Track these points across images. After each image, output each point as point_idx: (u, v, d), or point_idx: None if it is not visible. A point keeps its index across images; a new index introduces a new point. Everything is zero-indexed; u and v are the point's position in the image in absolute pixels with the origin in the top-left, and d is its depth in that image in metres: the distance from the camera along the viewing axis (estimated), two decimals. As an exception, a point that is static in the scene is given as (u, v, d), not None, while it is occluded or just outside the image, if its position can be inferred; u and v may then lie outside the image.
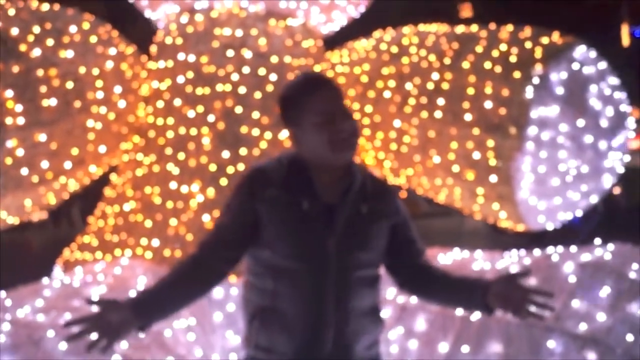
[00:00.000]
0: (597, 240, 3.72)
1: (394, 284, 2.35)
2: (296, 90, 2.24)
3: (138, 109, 4.66)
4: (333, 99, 2.18)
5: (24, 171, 3.56)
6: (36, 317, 2.89)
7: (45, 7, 4.19)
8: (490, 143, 4.30)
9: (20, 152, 3.50)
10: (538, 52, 4.31)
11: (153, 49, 4.90)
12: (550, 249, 3.63)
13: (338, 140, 2.14)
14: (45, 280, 3.61)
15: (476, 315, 3.10)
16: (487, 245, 5.01)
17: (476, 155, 4.38)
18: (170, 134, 4.55)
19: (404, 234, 2.29)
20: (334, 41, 5.50)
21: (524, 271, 2.17)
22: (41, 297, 3.25)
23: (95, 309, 2.00)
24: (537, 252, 3.71)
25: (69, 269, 4.30)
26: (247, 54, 4.65)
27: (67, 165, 3.90)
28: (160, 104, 4.67)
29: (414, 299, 3.50)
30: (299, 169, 2.20)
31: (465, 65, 4.46)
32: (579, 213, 4.69)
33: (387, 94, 4.78)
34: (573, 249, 3.57)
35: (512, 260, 3.58)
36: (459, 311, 3.21)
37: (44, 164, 3.68)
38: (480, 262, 3.63)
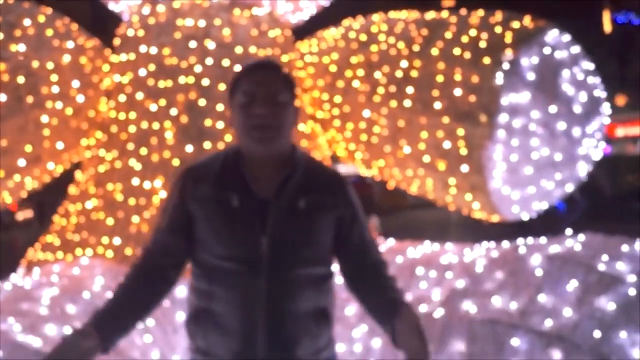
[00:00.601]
0: (568, 231, 3.60)
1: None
2: (242, 69, 2.13)
3: (99, 103, 4.52)
4: (264, 83, 2.05)
5: (-27, 170, 3.44)
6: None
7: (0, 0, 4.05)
8: (461, 132, 4.18)
9: (-34, 150, 3.38)
10: (508, 37, 4.18)
11: (116, 41, 4.76)
12: (519, 241, 3.52)
13: (251, 126, 2.02)
14: (-2, 282, 3.48)
15: (439, 313, 2.99)
16: (473, 236, 4.89)
17: (447, 145, 4.26)
18: (132, 129, 4.41)
19: (347, 229, 2.13)
20: (304, 30, 5.37)
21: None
22: (-10, 301, 3.13)
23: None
24: (505, 244, 3.59)
25: (30, 269, 4.17)
26: (210, 44, 4.51)
27: (21, 162, 3.77)
28: (122, 98, 4.53)
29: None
30: (234, 163, 2.08)
31: (434, 52, 4.34)
32: (560, 202, 4.58)
33: (356, 84, 4.66)
34: (542, 240, 3.45)
35: (479, 253, 3.46)
36: (423, 308, 3.10)
37: (-6, 162, 3.56)
38: (449, 256, 3.52)
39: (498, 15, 4.42)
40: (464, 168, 4.22)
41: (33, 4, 4.24)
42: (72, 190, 4.58)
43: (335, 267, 2.18)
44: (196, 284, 2.09)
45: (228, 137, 4.38)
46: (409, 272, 3.41)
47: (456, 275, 3.20)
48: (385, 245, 4.12)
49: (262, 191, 2.07)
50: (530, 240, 3.49)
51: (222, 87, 4.46)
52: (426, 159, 4.38)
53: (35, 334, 2.79)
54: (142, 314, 2.07)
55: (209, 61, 4.47)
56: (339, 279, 2.14)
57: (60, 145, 4.09)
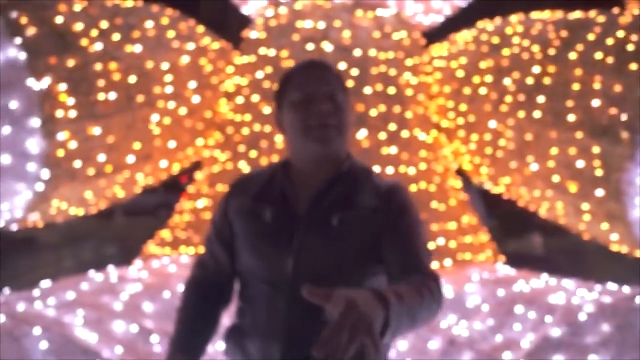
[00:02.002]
0: None
1: None
2: (289, 71, 1.95)
3: (218, 104, 4.56)
4: (320, 80, 1.84)
5: (77, 164, 3.58)
6: (45, 312, 2.85)
7: (129, 3, 4.23)
8: (596, 150, 3.57)
9: (73, 145, 3.53)
10: (664, 39, 3.50)
11: (243, 44, 4.78)
12: (625, 289, 2.88)
13: (312, 126, 1.80)
14: (91, 273, 3.61)
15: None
16: (610, 273, 4.20)
17: (579, 164, 3.67)
18: (245, 131, 4.39)
19: (385, 242, 1.79)
20: (438, 33, 5.01)
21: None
22: (74, 290, 3.23)
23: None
24: (625, 289, 2.96)
25: (146, 262, 4.30)
26: (327, 47, 4.34)
27: (130, 159, 3.89)
28: (239, 100, 4.52)
29: (464, 333, 2.97)
30: (280, 176, 1.89)
31: (572, 56, 3.76)
32: None
33: (482, 91, 4.21)
34: None
35: (591, 297, 2.88)
36: (506, 355, 2.64)
37: (101, 157, 3.69)
38: (558, 295, 2.98)
39: (657, 14, 3.73)
40: (599, 192, 3.60)
41: (161, 6, 4.38)
42: (190, 188, 4.68)
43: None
44: (237, 299, 1.95)
45: (338, 144, 4.19)
46: (507, 309, 2.95)
47: (555, 321, 2.69)
48: (496, 274, 3.65)
49: (299, 206, 1.85)
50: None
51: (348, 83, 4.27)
52: (555, 179, 3.82)
53: (95, 330, 2.82)
54: (212, 333, 1.99)
55: (325, 64, 4.29)
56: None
57: (172, 143, 4.17)
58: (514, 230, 9.73)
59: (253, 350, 1.89)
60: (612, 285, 3.09)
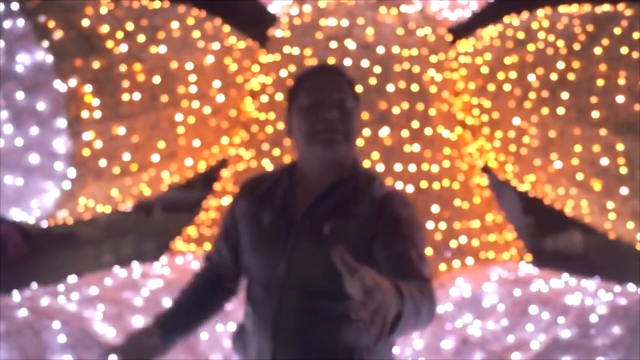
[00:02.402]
0: None
1: None
2: (300, 75, 1.99)
3: (243, 103, 4.62)
4: (329, 86, 1.88)
5: (103, 162, 3.68)
6: (67, 306, 2.95)
7: (156, 4, 4.32)
8: (621, 147, 3.49)
9: (98, 144, 3.63)
10: (691, 33, 3.40)
11: (269, 43, 4.82)
12: None
13: (317, 131, 1.84)
14: (116, 268, 3.71)
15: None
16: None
17: (604, 162, 3.59)
18: (269, 129, 4.43)
19: (378, 249, 1.80)
20: (465, 29, 4.95)
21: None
22: (97, 286, 3.33)
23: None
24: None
25: (171, 259, 4.40)
26: (350, 44, 4.35)
27: (155, 158, 3.98)
28: (264, 98, 4.57)
29: (477, 333, 2.95)
30: (285, 180, 1.94)
31: (597, 51, 3.68)
32: None
33: (507, 87, 4.16)
34: None
35: (606, 298, 2.82)
36: (515, 356, 2.61)
37: (126, 156, 3.78)
38: (574, 296, 2.92)
39: (687, 7, 3.63)
40: (624, 191, 3.53)
41: (187, 7, 4.46)
42: (217, 186, 4.75)
43: None
44: (244, 300, 2.02)
45: (360, 142, 4.19)
46: (521, 309, 2.92)
47: (567, 322, 2.65)
48: (516, 273, 3.61)
49: (298, 211, 1.89)
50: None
51: (358, 89, 4.26)
52: (579, 176, 3.75)
53: (114, 324, 2.90)
54: (202, 319, 2.06)
55: (348, 62, 4.31)
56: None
57: (197, 142, 4.25)
58: (552, 228, 9.55)
59: (251, 350, 1.94)
60: (631, 287, 3.03)
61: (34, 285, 3.43)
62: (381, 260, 1.79)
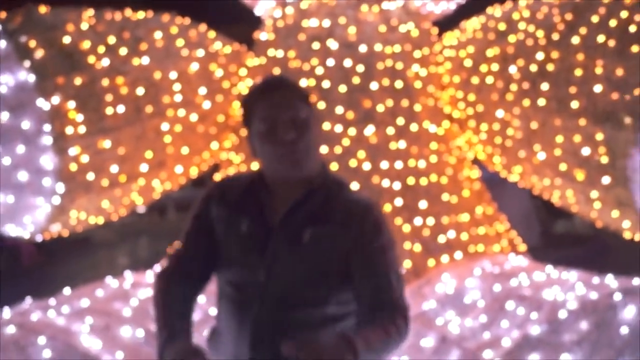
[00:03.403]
0: None
1: None
2: (250, 94, 2.03)
3: (232, 107, 4.66)
4: (280, 106, 1.91)
5: (91, 176, 3.76)
6: (57, 320, 3.04)
7: (140, 15, 4.38)
8: (600, 136, 3.48)
9: (85, 159, 3.71)
10: (668, 18, 3.36)
11: (255, 46, 4.86)
12: (613, 284, 2.80)
13: (280, 154, 1.89)
14: (108, 278, 3.80)
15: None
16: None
17: (585, 151, 3.58)
18: (257, 133, 4.48)
19: (359, 265, 1.88)
20: (451, 21, 4.93)
21: None
22: (89, 298, 3.42)
23: None
24: (614, 283, 2.88)
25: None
26: (333, 44, 4.37)
27: (143, 168, 4.04)
28: (251, 102, 4.61)
29: (456, 330, 2.98)
30: (258, 186, 1.98)
31: (575, 40, 3.66)
32: None
33: (489, 80, 4.15)
34: None
35: (579, 292, 2.83)
36: (487, 354, 2.64)
37: (114, 169, 3.86)
38: (551, 291, 2.94)
39: (665, -10, 3.58)
40: (606, 180, 3.52)
41: (172, 15, 4.51)
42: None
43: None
44: (217, 302, 2.05)
45: (346, 141, 4.22)
46: (500, 305, 2.94)
47: (539, 318, 2.67)
48: (502, 266, 3.62)
49: (274, 218, 1.94)
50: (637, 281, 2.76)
51: (342, 89, 4.31)
52: (563, 167, 3.74)
53: (100, 337, 2.99)
54: (191, 312, 2.02)
55: (330, 62, 4.33)
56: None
57: (185, 150, 4.31)
58: (562, 210, 9.49)
59: (225, 353, 1.99)
60: (609, 278, 3.03)
61: (28, 299, 3.53)
62: (359, 280, 1.87)
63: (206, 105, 4.40)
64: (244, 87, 4.71)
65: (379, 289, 1.86)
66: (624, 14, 3.52)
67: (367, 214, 1.93)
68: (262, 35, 4.73)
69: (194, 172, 4.66)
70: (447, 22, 4.95)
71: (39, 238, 4.00)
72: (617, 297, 2.66)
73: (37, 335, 2.77)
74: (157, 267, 4.31)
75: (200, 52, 4.44)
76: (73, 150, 3.67)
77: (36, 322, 2.98)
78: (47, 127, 3.57)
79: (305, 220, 1.91)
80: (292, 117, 1.89)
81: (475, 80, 4.26)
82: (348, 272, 1.91)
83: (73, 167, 3.69)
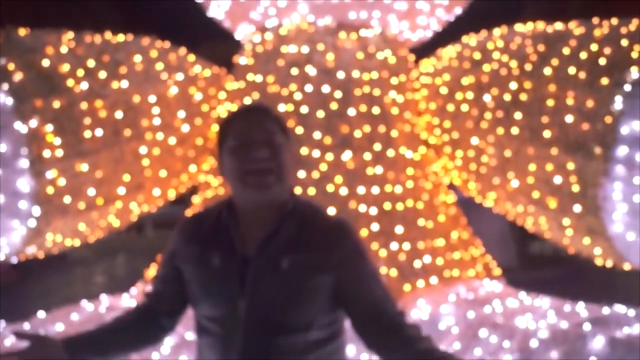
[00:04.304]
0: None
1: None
2: (228, 115, 2.04)
3: (210, 130, 4.69)
4: (256, 126, 1.91)
5: (67, 199, 3.75)
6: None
7: (120, 38, 4.40)
8: (571, 165, 3.56)
9: (62, 182, 3.70)
10: (635, 52, 3.46)
11: (234, 70, 4.90)
12: (584, 313, 2.86)
13: (247, 171, 1.87)
14: (84, 302, 3.78)
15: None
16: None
17: (557, 180, 3.66)
18: (235, 156, 4.50)
19: (351, 288, 1.90)
20: (427, 49, 5.02)
21: None
22: (64, 322, 3.40)
23: (24, 343, 1.99)
24: (584, 312, 2.94)
25: (142, 289, 4.46)
26: (311, 70, 4.43)
27: (121, 191, 4.05)
28: (230, 125, 4.64)
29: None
30: (226, 216, 1.96)
31: (547, 71, 3.76)
32: None
33: (464, 108, 4.23)
34: (619, 313, 2.76)
35: (549, 321, 2.88)
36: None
37: (91, 192, 3.85)
38: (523, 318, 2.98)
39: (633, 24, 3.69)
40: (577, 208, 3.59)
41: (152, 39, 4.53)
42: (188, 212, 4.83)
43: (339, 327, 1.98)
44: (195, 335, 2.02)
45: (323, 166, 4.27)
46: (473, 332, 2.98)
47: (511, 347, 2.72)
48: (477, 292, 3.67)
49: (248, 248, 1.92)
50: (607, 311, 2.81)
51: (320, 114, 4.36)
52: (536, 195, 3.82)
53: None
54: (122, 349, 2.03)
55: (309, 88, 4.39)
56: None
57: (163, 172, 4.32)
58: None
59: None
60: (580, 306, 3.08)
61: (2, 323, 3.50)
62: (357, 301, 1.90)
63: (185, 128, 4.42)
64: (222, 110, 4.75)
65: (380, 307, 1.89)
66: (594, 47, 3.63)
67: (345, 236, 1.94)
68: (242, 60, 4.78)
69: (171, 195, 4.67)
70: (424, 49, 5.04)
71: (14, 260, 3.98)
72: (587, 327, 2.71)
73: (10, 362, 2.74)
74: (133, 290, 4.31)
75: (179, 76, 4.47)
76: (50, 174, 3.66)
77: (11, 347, 2.95)
78: (24, 150, 3.56)
79: (282, 248, 1.90)
80: (266, 138, 1.90)
81: (450, 107, 4.34)
82: (331, 296, 1.94)
83: (50, 190, 3.68)
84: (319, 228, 1.95)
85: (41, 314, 3.63)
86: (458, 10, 4.83)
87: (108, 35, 4.37)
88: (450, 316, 3.30)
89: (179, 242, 2.00)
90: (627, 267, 3.81)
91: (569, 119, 3.57)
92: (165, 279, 2.04)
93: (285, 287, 1.90)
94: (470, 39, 4.51)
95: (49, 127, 3.66)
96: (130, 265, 11.45)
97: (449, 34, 5.05)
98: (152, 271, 4.64)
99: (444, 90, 4.40)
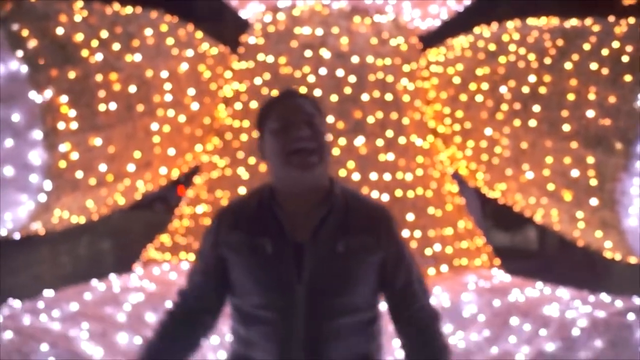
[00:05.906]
0: None
1: None
2: (267, 101, 2.04)
3: (217, 110, 4.59)
4: (297, 108, 1.95)
5: (79, 174, 3.61)
6: (51, 325, 2.90)
7: (129, 10, 4.24)
8: (591, 160, 3.63)
9: (74, 156, 3.56)
10: (658, 52, 3.55)
11: (241, 49, 4.80)
12: (618, 303, 2.95)
13: (292, 151, 1.89)
14: (94, 281, 3.66)
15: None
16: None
17: (574, 173, 3.73)
18: (244, 137, 4.43)
19: (391, 271, 1.98)
20: (435, 38, 5.04)
21: None
22: (78, 301, 3.28)
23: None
24: (618, 303, 3.03)
25: (147, 269, 4.34)
26: (325, 54, 4.38)
27: (130, 168, 3.92)
28: (238, 105, 4.56)
29: (461, 344, 3.04)
30: (268, 204, 1.96)
31: (568, 66, 3.81)
32: None
33: (479, 98, 4.26)
34: None
35: (585, 310, 2.95)
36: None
37: (102, 167, 3.72)
38: (553, 307, 3.04)
39: (652, 24, 3.78)
40: (593, 201, 3.67)
41: (160, 13, 4.39)
42: (189, 193, 4.72)
43: (382, 308, 2.03)
44: (235, 329, 2.01)
45: (336, 151, 4.24)
46: (503, 320, 3.02)
47: (550, 334, 2.77)
48: (491, 281, 3.72)
49: (298, 234, 1.93)
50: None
51: (333, 98, 4.32)
52: (550, 187, 3.88)
53: (100, 344, 2.87)
54: (180, 356, 2.02)
55: (323, 71, 4.34)
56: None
57: (171, 151, 4.21)
58: (508, 226, 9.86)
59: None
60: (605, 297, 3.16)
61: (11, 301, 3.35)
62: (393, 284, 1.98)
63: (194, 106, 4.32)
64: (229, 90, 4.65)
65: (412, 294, 1.99)
66: (615, 44, 3.70)
67: (389, 218, 2.03)
68: (251, 39, 4.68)
69: (175, 174, 4.56)
70: (431, 38, 5.05)
71: (16, 236, 3.80)
72: (631, 317, 2.78)
73: (38, 342, 2.63)
74: (139, 270, 4.19)
75: (189, 52, 4.35)
76: (63, 147, 3.51)
77: (31, 326, 2.83)
78: (38, 122, 3.40)
79: (334, 232, 1.93)
80: (307, 119, 1.93)
81: (463, 97, 4.36)
82: (377, 277, 1.97)
83: (62, 164, 3.53)
84: (365, 211, 2.00)
85: (49, 292, 3.49)
86: (468, 1, 4.86)
87: (116, 6, 4.21)
88: (473, 304, 3.33)
89: (221, 232, 1.97)
90: (633, 260, 3.93)
91: (590, 113, 3.63)
92: (207, 271, 2.01)
93: (342, 270, 1.95)
94: (484, 30, 4.53)
95: (64, 99, 3.50)
96: (96, 245, 11.20)
97: (456, 24, 5.07)
98: (151, 251, 4.53)
99: (456, 80, 4.42)
